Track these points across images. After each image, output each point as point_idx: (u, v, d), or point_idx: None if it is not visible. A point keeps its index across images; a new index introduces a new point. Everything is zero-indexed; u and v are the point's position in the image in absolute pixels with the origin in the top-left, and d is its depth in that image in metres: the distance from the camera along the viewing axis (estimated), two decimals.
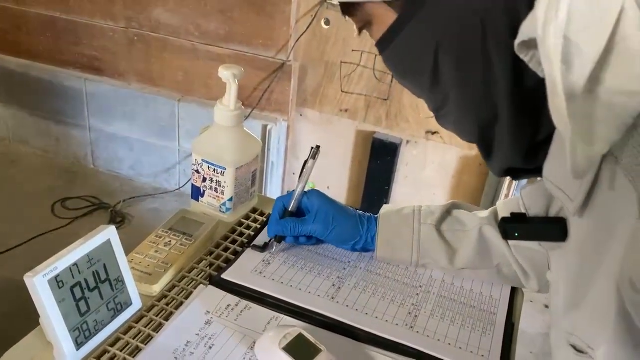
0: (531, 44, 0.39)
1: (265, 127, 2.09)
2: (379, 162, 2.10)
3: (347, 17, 0.49)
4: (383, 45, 0.47)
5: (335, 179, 2.17)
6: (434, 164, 2.07)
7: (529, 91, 0.42)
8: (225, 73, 0.74)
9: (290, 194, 0.75)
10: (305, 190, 0.75)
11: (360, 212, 0.76)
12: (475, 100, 0.47)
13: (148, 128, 2.26)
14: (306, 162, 0.74)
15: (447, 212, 0.73)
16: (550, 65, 0.37)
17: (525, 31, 0.39)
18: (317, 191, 0.76)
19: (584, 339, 0.44)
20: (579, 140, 0.38)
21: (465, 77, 0.46)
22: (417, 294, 0.70)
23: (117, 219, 2.09)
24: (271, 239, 0.74)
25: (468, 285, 0.73)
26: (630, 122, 0.37)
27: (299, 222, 0.73)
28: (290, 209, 0.74)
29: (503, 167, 0.52)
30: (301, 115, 2.15)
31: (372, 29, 0.48)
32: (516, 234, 0.57)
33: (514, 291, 0.73)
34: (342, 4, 0.48)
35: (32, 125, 2.44)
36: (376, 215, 0.75)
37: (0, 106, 2.43)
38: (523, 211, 0.61)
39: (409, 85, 0.51)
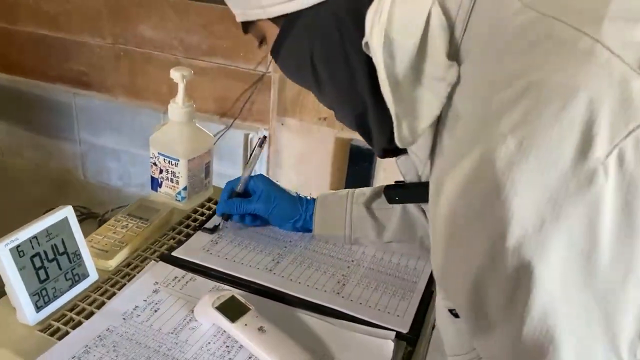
0: None
1: (247, 136, 2.18)
2: (357, 167, 2.18)
3: (246, 34, 0.59)
4: (273, 54, 0.57)
5: (317, 184, 2.26)
6: None
7: None
8: (176, 74, 0.83)
9: (239, 179, 0.84)
10: (253, 174, 0.84)
11: (301, 195, 0.85)
12: (347, 96, 0.56)
13: (135, 140, 2.35)
14: (254, 149, 0.83)
15: (378, 193, 0.82)
16: (376, 59, 0.47)
17: (366, 34, 0.49)
18: (262, 175, 0.86)
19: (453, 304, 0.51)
20: (404, 117, 0.48)
21: (335, 77, 0.55)
22: (348, 267, 0.78)
23: None
24: (220, 219, 0.83)
25: (396, 260, 0.81)
26: (445, 101, 0.47)
27: (244, 201, 0.82)
28: (237, 190, 0.83)
29: (381, 149, 0.60)
30: (282, 124, 2.24)
31: (266, 43, 0.58)
32: (397, 198, 0.67)
33: None
34: (242, 25, 0.58)
35: (24, 139, 2.53)
36: (315, 198, 0.84)
37: None
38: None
39: (301, 85, 0.60)
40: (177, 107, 0.84)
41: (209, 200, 0.93)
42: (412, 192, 0.66)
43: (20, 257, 0.63)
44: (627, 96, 0.35)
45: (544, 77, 0.37)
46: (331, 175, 2.28)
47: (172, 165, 0.86)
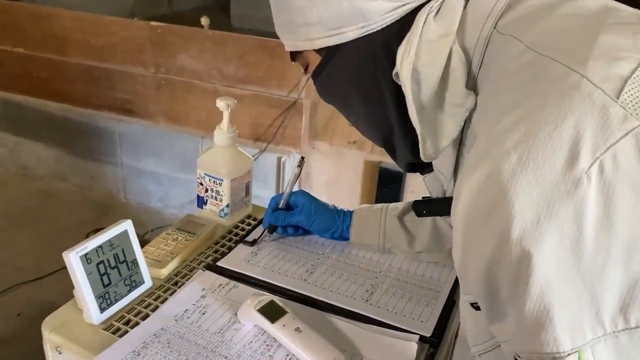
0: None
1: (279, 159, 2.27)
2: (386, 189, 2.25)
3: (293, 62, 0.69)
4: (314, 78, 0.67)
5: (346, 206, 2.33)
6: None
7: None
8: (221, 103, 0.92)
9: (282, 194, 0.94)
10: (293, 191, 0.94)
11: (338, 207, 0.95)
12: (375, 117, 0.66)
13: (174, 163, 2.47)
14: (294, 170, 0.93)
15: (409, 207, 0.90)
16: (404, 86, 0.57)
17: (397, 66, 0.58)
18: (303, 191, 0.95)
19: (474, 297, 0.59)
20: (428, 136, 0.58)
21: (366, 101, 0.65)
22: (376, 277, 0.85)
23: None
24: (264, 230, 0.93)
25: (421, 271, 0.87)
26: (462, 124, 0.57)
27: (288, 214, 0.92)
28: (280, 206, 0.93)
29: (406, 164, 0.69)
30: (313, 147, 2.33)
31: (310, 69, 0.67)
32: (424, 212, 0.74)
33: None
34: (290, 54, 0.68)
35: (69, 163, 2.68)
36: (352, 210, 0.94)
37: (42, 146, 2.69)
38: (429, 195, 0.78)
39: (334, 106, 0.69)
40: (222, 133, 0.94)
41: (249, 216, 1.02)
42: (438, 206, 0.74)
43: (88, 263, 0.72)
44: (606, 119, 0.43)
45: (541, 105, 0.46)
46: (361, 196, 2.35)
47: (216, 184, 0.95)
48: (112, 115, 2.51)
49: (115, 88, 2.47)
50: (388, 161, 2.29)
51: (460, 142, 0.59)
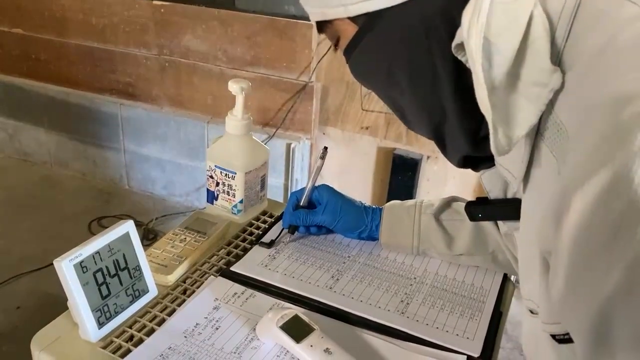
0: (464, 46, 0.46)
1: (289, 145, 2.18)
2: (400, 177, 2.15)
3: (320, 35, 0.57)
4: (347, 54, 0.55)
5: (358, 195, 2.21)
6: (455, 179, 2.11)
7: (469, 89, 0.48)
8: (235, 86, 0.81)
9: (303, 189, 0.83)
10: (316, 185, 0.83)
11: (367, 204, 0.84)
12: (425, 102, 0.54)
13: (179, 149, 2.38)
14: (316, 161, 0.82)
15: (447, 204, 0.81)
16: (473, 62, 0.44)
17: (458, 35, 0.46)
18: (326, 185, 0.85)
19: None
20: (500, 124, 0.45)
21: (415, 82, 0.53)
22: (411, 285, 0.75)
23: (150, 236, 2.20)
24: (282, 230, 0.83)
25: (461, 277, 0.77)
26: (544, 108, 0.44)
27: (310, 213, 0.82)
28: (301, 203, 0.83)
29: (459, 158, 0.58)
30: (324, 133, 2.23)
31: (341, 43, 0.56)
32: (479, 215, 0.63)
33: (505, 283, 0.77)
34: (317, 23, 0.56)
35: (71, 149, 2.59)
36: (381, 207, 0.83)
37: (43, 132, 2.59)
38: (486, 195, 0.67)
39: (371, 88, 0.58)
40: (236, 120, 0.83)
41: (264, 212, 0.92)
42: (498, 209, 0.62)
43: (84, 272, 0.62)
44: None
45: None
46: (373, 185, 2.25)
47: (229, 178, 0.85)
48: (114, 99, 2.41)
49: (118, 70, 2.36)
50: (402, 147, 2.19)
51: (537, 133, 0.48)
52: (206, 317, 0.67)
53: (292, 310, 0.64)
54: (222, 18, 2.12)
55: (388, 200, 2.39)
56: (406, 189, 2.16)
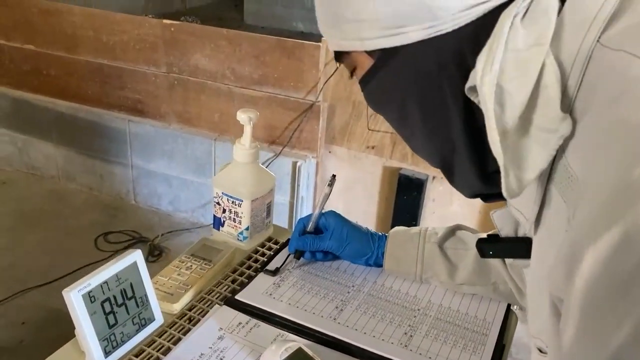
0: (477, 89, 0.47)
1: (295, 163, 2.19)
2: (406, 197, 2.16)
3: (338, 64, 0.58)
4: (363, 84, 0.56)
5: (363, 215, 2.24)
6: (460, 200, 2.11)
7: (480, 128, 0.49)
8: (243, 116, 0.83)
9: (310, 215, 0.85)
10: (323, 212, 0.85)
11: (372, 230, 0.85)
12: (435, 136, 0.55)
13: (186, 165, 2.40)
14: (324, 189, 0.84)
15: (451, 232, 0.81)
16: (486, 107, 0.45)
17: (471, 78, 0.47)
18: (334, 212, 0.86)
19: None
20: (511, 167, 0.46)
21: (427, 116, 0.54)
22: (415, 316, 0.76)
23: (155, 252, 2.21)
24: (287, 257, 0.84)
25: (464, 309, 0.78)
26: (554, 153, 0.45)
27: (317, 238, 0.83)
28: (308, 229, 0.84)
29: (468, 191, 0.58)
30: (329, 152, 2.24)
31: (357, 73, 0.57)
32: (490, 252, 0.64)
33: (508, 314, 0.78)
34: (335, 53, 0.57)
35: (79, 164, 2.61)
36: (387, 234, 0.83)
37: (52, 146, 2.62)
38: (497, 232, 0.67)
39: (384, 117, 0.59)
40: (243, 149, 0.84)
41: (269, 239, 0.93)
42: (508, 247, 0.63)
43: (92, 302, 0.63)
44: None
45: None
46: (378, 204, 2.26)
47: (235, 205, 0.86)
48: (122, 115, 2.44)
49: (127, 87, 2.39)
50: (408, 167, 2.20)
51: (548, 177, 0.48)
52: (211, 347, 0.68)
53: (296, 343, 0.65)
54: (230, 37, 2.15)
55: (393, 220, 2.38)
56: (411, 209, 2.16)
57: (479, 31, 0.47)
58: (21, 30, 2.48)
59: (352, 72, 0.59)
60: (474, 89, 0.47)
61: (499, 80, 0.45)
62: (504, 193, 0.47)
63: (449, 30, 0.48)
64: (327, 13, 0.54)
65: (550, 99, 0.44)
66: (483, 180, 0.54)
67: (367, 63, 0.54)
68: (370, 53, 0.53)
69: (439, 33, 0.48)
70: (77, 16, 2.34)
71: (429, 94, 0.52)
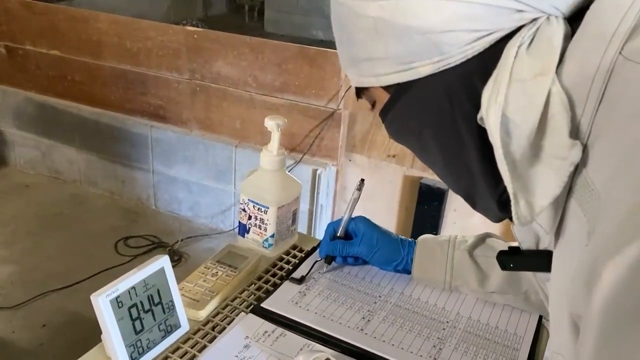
0: None
1: (315, 171, 2.18)
2: (426, 207, 2.14)
3: (358, 99, 0.60)
4: (382, 117, 0.58)
5: (382, 224, 2.20)
6: None
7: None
8: (270, 123, 0.82)
9: (340, 220, 0.85)
10: (353, 216, 0.85)
11: (402, 237, 0.85)
12: (454, 165, 0.56)
13: (207, 172, 2.40)
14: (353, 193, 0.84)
15: (481, 239, 0.81)
16: (493, 138, 0.47)
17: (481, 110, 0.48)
18: (363, 217, 0.85)
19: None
20: (521, 194, 0.46)
21: (443, 146, 0.55)
22: (444, 329, 0.74)
23: (175, 257, 2.21)
24: (313, 265, 0.84)
25: (494, 322, 0.76)
26: (566, 179, 0.45)
27: (347, 244, 0.83)
28: (338, 234, 0.84)
29: (493, 217, 0.58)
30: (350, 160, 2.23)
31: (376, 106, 0.59)
32: (511, 265, 0.63)
33: (539, 328, 0.76)
34: (356, 89, 0.59)
35: (101, 168, 2.63)
36: (416, 240, 0.83)
37: (74, 151, 2.65)
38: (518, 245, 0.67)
39: (407, 147, 0.60)
40: (271, 155, 0.84)
41: (294, 247, 0.92)
42: (529, 260, 0.62)
43: (119, 307, 0.63)
44: None
45: None
46: (398, 213, 2.24)
47: (261, 212, 0.85)
48: (144, 120, 2.46)
49: (149, 93, 2.41)
50: (429, 177, 2.18)
51: (569, 190, 0.47)
52: (236, 356, 0.67)
53: (324, 353, 0.64)
54: (253, 45, 2.15)
55: (413, 230, 2.36)
56: (432, 219, 2.14)
57: (487, 61, 0.48)
58: (47, 36, 2.52)
59: (373, 105, 0.60)
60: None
61: (504, 110, 0.45)
62: (515, 220, 0.47)
63: (458, 62, 0.49)
64: (345, 53, 0.56)
65: (557, 127, 0.45)
66: (501, 206, 0.54)
67: (384, 97, 0.56)
68: (386, 88, 0.55)
69: (448, 66, 0.49)
70: (102, 22, 2.37)
71: (442, 125, 0.53)
